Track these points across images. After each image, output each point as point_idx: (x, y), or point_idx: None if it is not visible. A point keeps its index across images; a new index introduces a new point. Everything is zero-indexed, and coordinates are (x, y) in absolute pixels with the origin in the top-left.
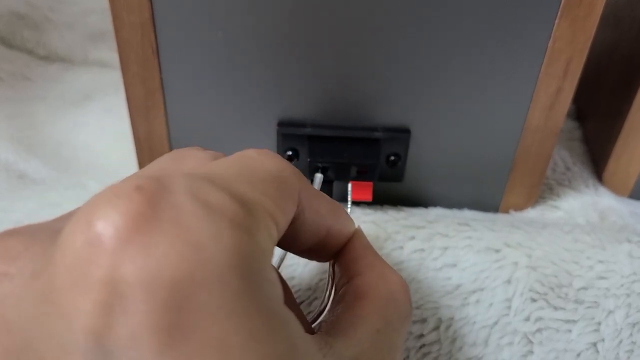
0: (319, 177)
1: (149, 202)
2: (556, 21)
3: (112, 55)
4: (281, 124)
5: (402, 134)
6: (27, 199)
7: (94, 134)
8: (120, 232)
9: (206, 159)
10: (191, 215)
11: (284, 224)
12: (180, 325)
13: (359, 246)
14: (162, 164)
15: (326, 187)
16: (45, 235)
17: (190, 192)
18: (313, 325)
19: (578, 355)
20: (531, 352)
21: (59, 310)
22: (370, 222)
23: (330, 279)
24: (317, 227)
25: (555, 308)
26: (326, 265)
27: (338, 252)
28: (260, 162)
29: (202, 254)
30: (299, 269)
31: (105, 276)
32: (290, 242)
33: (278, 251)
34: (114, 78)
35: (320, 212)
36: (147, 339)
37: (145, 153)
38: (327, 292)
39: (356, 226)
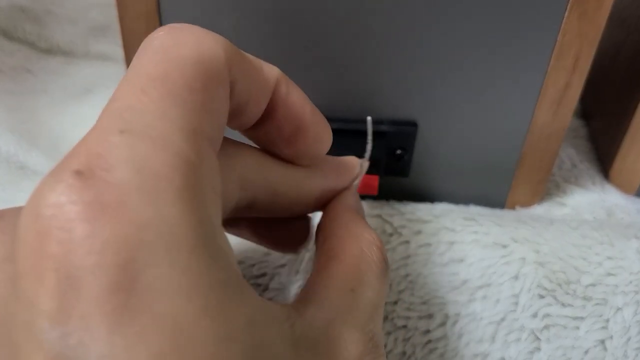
0: None
1: (89, 187)
2: (566, 14)
3: (114, 48)
4: None
5: (408, 127)
6: (28, 191)
7: None
8: (65, 220)
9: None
10: (132, 191)
11: (217, 125)
12: (128, 305)
13: (338, 206)
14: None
15: None
16: (14, 220)
17: (128, 163)
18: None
19: (586, 352)
20: (538, 349)
21: (22, 295)
22: (376, 216)
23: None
24: (262, 89)
25: (563, 305)
26: None
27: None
28: (169, 53)
29: (146, 233)
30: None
31: (56, 264)
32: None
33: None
34: (116, 72)
35: (263, 76)
36: (97, 320)
37: None
38: (304, 259)
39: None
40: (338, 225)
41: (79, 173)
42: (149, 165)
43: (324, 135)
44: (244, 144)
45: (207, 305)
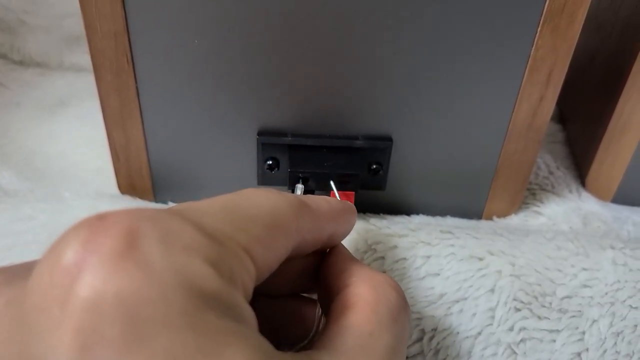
0: (299, 187)
1: (116, 239)
2: (538, 29)
3: (88, 59)
4: (261, 133)
5: (384, 142)
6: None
7: (69, 143)
8: (81, 261)
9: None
10: (149, 242)
11: (268, 257)
12: (131, 337)
13: (340, 260)
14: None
15: None
16: (22, 271)
17: (152, 225)
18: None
19: None
20: None
21: (31, 330)
22: (352, 231)
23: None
24: (319, 240)
25: (539, 318)
26: None
27: (321, 275)
28: (251, 200)
29: (150, 273)
30: None
31: (71, 300)
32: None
33: None
34: (91, 83)
35: (325, 227)
36: (103, 351)
37: (122, 163)
38: (316, 322)
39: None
40: (348, 276)
41: (103, 219)
42: (169, 226)
43: (352, 226)
44: None
45: (203, 345)
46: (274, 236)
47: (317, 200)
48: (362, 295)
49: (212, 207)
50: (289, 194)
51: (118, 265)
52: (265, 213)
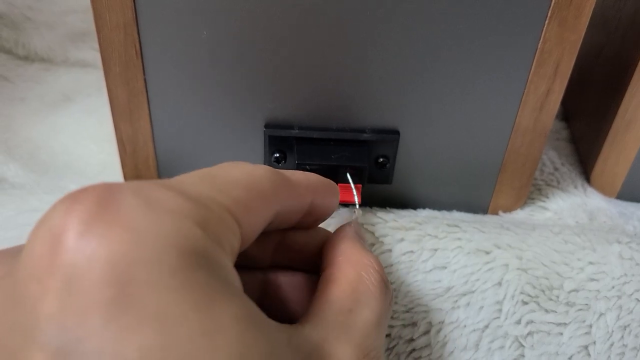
0: None
1: (96, 203)
2: (546, 22)
3: (93, 55)
4: (268, 126)
5: (391, 135)
6: (5, 205)
7: (74, 137)
8: (70, 228)
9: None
10: (131, 208)
11: (250, 220)
12: (120, 299)
13: (337, 237)
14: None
15: None
16: (17, 250)
17: (134, 192)
18: None
19: (569, 358)
20: (522, 356)
21: (22, 301)
22: (359, 224)
23: None
24: (300, 208)
25: (547, 311)
26: None
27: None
28: (227, 169)
29: (138, 237)
30: None
31: (56, 264)
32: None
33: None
34: (96, 79)
35: (303, 195)
36: (92, 313)
37: (129, 156)
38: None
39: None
40: (338, 253)
41: (87, 191)
42: (150, 193)
43: (334, 203)
44: None
45: (196, 302)
46: (253, 199)
47: (294, 172)
48: (345, 274)
49: (191, 177)
50: (264, 165)
51: (101, 229)
52: (243, 179)
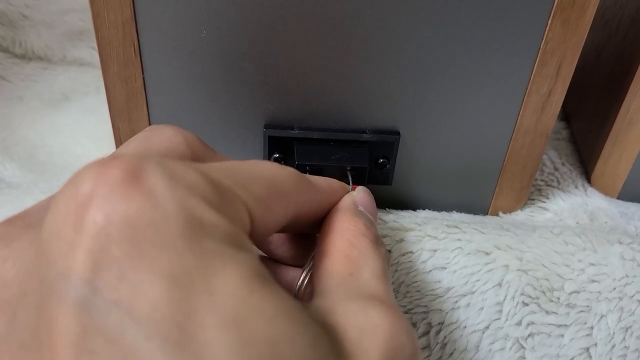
0: None
1: (125, 170)
2: (549, 22)
3: (91, 54)
4: (268, 126)
5: (391, 136)
6: (2, 205)
7: (72, 136)
8: (98, 191)
9: (180, 143)
10: (155, 178)
11: (266, 218)
12: (136, 255)
13: (332, 211)
14: (135, 142)
15: None
16: (43, 211)
17: (161, 165)
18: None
19: None
20: (523, 357)
21: (48, 258)
22: None
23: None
24: (320, 213)
25: (547, 312)
26: None
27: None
28: (253, 165)
29: (157, 203)
30: None
31: (82, 223)
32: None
33: None
34: (94, 78)
35: (324, 200)
36: (110, 267)
37: None
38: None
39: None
40: (328, 228)
41: (116, 159)
42: (175, 170)
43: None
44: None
45: (203, 265)
46: (273, 199)
47: (317, 177)
48: (335, 244)
49: (216, 165)
50: (290, 167)
51: (125, 194)
52: (267, 177)
